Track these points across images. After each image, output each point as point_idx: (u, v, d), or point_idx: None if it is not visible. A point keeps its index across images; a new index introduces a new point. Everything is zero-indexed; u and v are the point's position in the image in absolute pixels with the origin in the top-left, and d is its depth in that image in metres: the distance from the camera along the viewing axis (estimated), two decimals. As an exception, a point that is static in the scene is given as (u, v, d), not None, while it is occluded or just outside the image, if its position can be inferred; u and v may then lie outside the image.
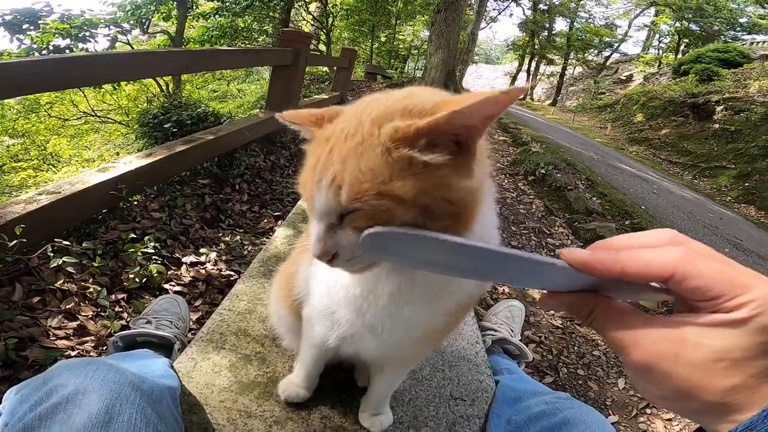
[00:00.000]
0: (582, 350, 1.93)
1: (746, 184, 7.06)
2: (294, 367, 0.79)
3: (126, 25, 4.87)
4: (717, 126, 8.55)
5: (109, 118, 5.80)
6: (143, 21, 5.37)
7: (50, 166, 5.90)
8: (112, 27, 4.30)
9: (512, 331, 1.41)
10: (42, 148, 5.74)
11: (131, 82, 4.60)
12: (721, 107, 8.79)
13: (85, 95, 5.11)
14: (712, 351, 0.31)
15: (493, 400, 0.88)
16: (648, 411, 1.75)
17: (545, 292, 0.39)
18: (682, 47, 17.28)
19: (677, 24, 16.85)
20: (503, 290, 2.21)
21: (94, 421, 0.50)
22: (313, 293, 0.64)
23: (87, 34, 3.84)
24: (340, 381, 0.84)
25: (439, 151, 0.39)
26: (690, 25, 16.34)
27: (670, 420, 1.73)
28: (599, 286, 0.36)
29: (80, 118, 5.79)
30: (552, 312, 2.12)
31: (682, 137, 9.15)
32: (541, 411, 0.72)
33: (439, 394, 0.87)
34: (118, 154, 5.43)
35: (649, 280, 0.33)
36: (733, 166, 7.59)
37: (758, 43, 13.30)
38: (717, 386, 0.31)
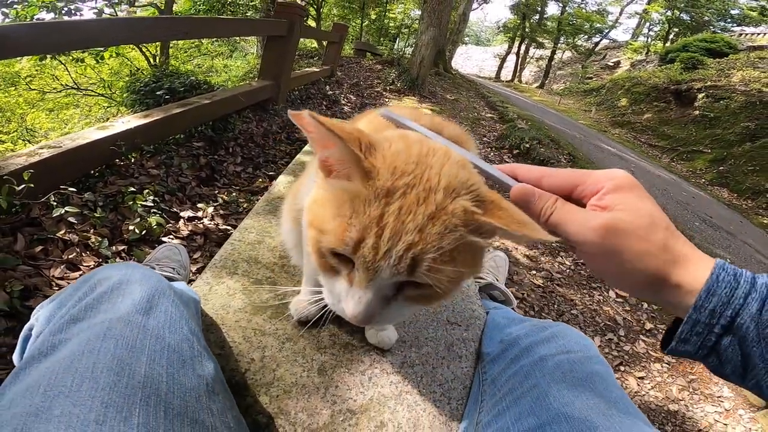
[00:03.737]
0: (561, 308, 2.06)
1: (721, 168, 7.33)
2: (301, 288, 0.83)
3: (113, -1, 4.70)
4: (697, 112, 8.79)
5: (91, 90, 5.64)
6: (130, -7, 5.19)
7: (26, 142, 5.72)
8: (98, 0, 4.16)
9: (497, 279, 1.50)
10: (22, 120, 5.55)
11: (117, 54, 4.48)
12: (703, 95, 9.01)
13: (66, 68, 4.95)
14: (631, 212, 0.39)
15: (484, 327, 0.96)
16: (622, 368, 1.89)
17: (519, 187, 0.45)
18: (671, 36, 17.50)
19: (669, 13, 17.03)
20: (490, 243, 2.31)
21: (138, 307, 0.52)
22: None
23: (72, 7, 3.70)
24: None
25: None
26: (681, 15, 16.55)
27: (642, 378, 1.86)
28: None
29: (61, 91, 5.61)
30: (534, 272, 2.24)
31: (663, 122, 9.39)
32: (529, 330, 0.78)
33: (436, 319, 0.95)
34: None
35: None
36: (709, 150, 7.85)
37: (747, 34, 13.54)
38: (655, 241, 0.37)
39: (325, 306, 0.55)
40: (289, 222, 0.83)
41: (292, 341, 0.80)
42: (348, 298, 0.43)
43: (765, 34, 12.99)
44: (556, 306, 2.06)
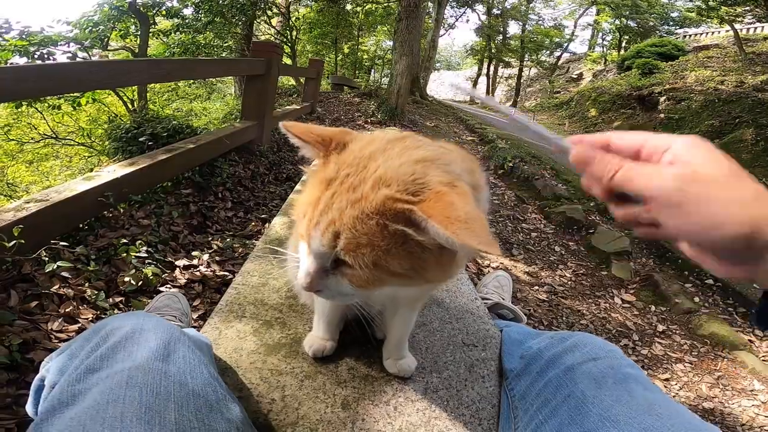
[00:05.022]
0: (570, 320, 2.06)
1: (696, 166, 7.59)
2: (314, 324, 0.84)
3: (86, 43, 4.75)
4: (662, 115, 9.16)
5: (70, 139, 5.58)
6: (102, 38, 5.24)
7: (8, 198, 5.58)
8: (72, 44, 4.18)
9: (503, 298, 1.50)
10: (2, 174, 5.43)
11: (94, 99, 4.45)
12: (664, 98, 9.43)
13: (43, 116, 4.90)
14: (710, 161, 0.34)
15: (501, 344, 0.95)
16: (645, 372, 1.89)
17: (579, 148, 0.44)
18: (623, 44, 18.38)
19: (617, 21, 18.01)
20: (488, 264, 2.32)
21: (156, 354, 0.51)
22: None
23: (45, 51, 3.71)
24: (359, 337, 0.89)
25: (430, 237, 0.42)
26: (628, 22, 17.50)
27: (668, 380, 1.87)
28: None
29: (39, 141, 5.53)
30: (536, 287, 2.25)
31: (633, 128, 9.69)
32: (549, 343, 0.78)
33: (452, 342, 0.94)
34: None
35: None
36: (682, 151, 8.14)
37: (691, 36, 14.36)
38: (741, 194, 0.32)
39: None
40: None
41: (310, 378, 0.78)
42: (302, 264, 0.50)
43: (707, 33, 13.80)
44: (564, 318, 2.06)
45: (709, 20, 11.54)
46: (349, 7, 11.19)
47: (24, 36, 3.65)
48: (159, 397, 0.45)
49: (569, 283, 2.41)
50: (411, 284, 0.47)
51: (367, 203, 0.42)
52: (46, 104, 4.35)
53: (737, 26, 10.55)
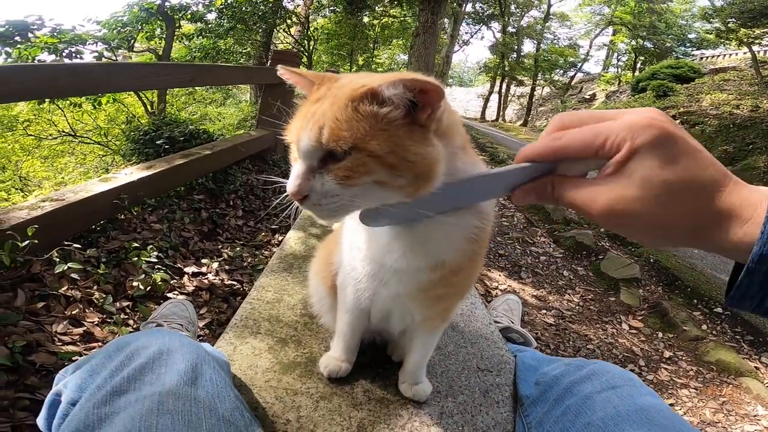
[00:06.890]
0: (577, 345, 2.03)
1: (708, 193, 7.50)
2: (331, 345, 0.83)
3: (113, 43, 4.85)
4: (676, 140, 9.09)
5: (87, 137, 5.64)
6: (129, 39, 5.35)
7: (20, 191, 5.62)
8: (99, 44, 4.25)
9: (513, 322, 1.48)
10: (17, 168, 5.48)
11: (114, 99, 4.50)
12: (678, 121, 9.39)
13: (64, 114, 4.96)
14: (639, 186, 0.34)
15: (516, 370, 0.94)
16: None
17: (517, 192, 0.45)
18: (638, 65, 18.28)
19: (633, 42, 17.95)
20: (497, 287, 2.31)
21: (184, 378, 0.50)
22: (343, 259, 0.73)
23: (73, 50, 3.78)
24: (376, 359, 0.88)
25: (392, 108, 0.47)
26: (644, 43, 17.43)
27: (672, 405, 1.83)
28: (556, 169, 0.43)
29: (56, 138, 5.60)
30: (543, 311, 2.22)
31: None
32: (565, 370, 0.77)
33: (467, 367, 0.92)
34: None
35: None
36: (694, 177, 8.06)
37: (707, 57, 14.23)
38: (673, 214, 0.34)
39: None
40: (323, 288, 0.85)
41: (326, 399, 0.77)
42: (291, 175, 0.52)
43: (724, 55, 13.63)
44: (571, 342, 2.03)
45: (727, 42, 11.40)
46: (366, 19, 11.36)
47: (55, 33, 3.72)
48: (191, 425, 0.44)
49: (577, 307, 2.38)
50: (397, 180, 0.48)
51: (340, 98, 0.49)
52: (68, 102, 4.40)
53: (755, 48, 10.43)
